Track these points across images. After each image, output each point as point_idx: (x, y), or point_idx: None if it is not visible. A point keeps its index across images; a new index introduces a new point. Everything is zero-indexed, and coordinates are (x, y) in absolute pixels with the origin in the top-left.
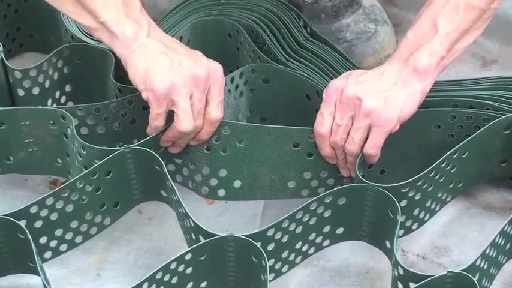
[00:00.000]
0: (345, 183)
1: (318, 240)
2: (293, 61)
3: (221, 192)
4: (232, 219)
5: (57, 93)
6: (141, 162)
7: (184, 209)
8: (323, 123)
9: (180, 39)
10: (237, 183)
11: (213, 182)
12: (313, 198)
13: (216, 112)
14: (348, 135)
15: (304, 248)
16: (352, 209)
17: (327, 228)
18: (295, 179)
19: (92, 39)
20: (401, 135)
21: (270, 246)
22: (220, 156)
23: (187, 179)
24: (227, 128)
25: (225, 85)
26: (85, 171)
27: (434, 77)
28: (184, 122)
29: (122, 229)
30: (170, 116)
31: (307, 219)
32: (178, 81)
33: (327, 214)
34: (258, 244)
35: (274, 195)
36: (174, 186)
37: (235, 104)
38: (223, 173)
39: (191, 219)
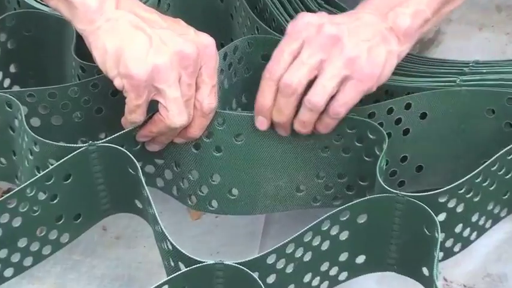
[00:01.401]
0: (362, 185)
1: (333, 272)
2: None
3: (213, 204)
4: (224, 238)
5: None
6: (111, 163)
7: (160, 227)
8: (279, 61)
9: (158, 3)
10: (234, 192)
11: (203, 190)
12: (326, 215)
13: (209, 100)
14: (308, 82)
15: (315, 283)
16: (375, 229)
17: (343, 256)
18: (306, 183)
19: (45, 6)
20: (444, 120)
21: (271, 278)
22: (213, 157)
23: (171, 184)
24: (221, 120)
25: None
26: (38, 175)
27: (412, 44)
28: (177, 116)
29: (81, 251)
30: (151, 106)
31: (318, 243)
32: (162, 63)
33: (343, 236)
34: (255, 275)
35: (279, 207)
36: (149, 195)
37: (229, 88)
38: (216, 178)
39: (168, 240)
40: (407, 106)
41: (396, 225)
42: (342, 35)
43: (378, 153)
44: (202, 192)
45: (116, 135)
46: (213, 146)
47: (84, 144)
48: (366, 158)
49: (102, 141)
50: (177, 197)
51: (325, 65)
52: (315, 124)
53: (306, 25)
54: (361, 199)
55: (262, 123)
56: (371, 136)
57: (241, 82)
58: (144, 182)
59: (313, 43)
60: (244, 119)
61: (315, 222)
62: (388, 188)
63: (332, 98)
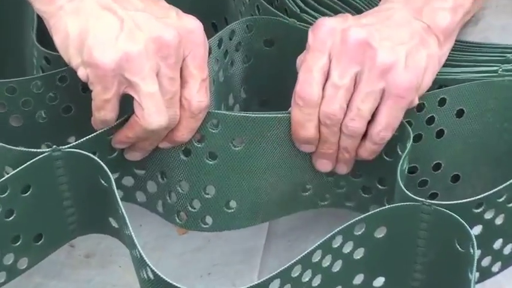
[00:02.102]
0: (380, 189)
1: None
2: (312, 12)
3: (207, 220)
4: (217, 256)
5: None
6: (79, 173)
7: (138, 252)
8: (311, 83)
9: None
10: (232, 205)
11: (195, 204)
12: (337, 230)
13: (199, 97)
14: (348, 105)
15: None
16: (396, 245)
17: (359, 278)
18: (313, 182)
19: None
20: (484, 118)
21: None
22: (206, 165)
23: (155, 199)
24: (215, 122)
25: (211, 50)
26: None
27: (453, 43)
28: (154, 115)
29: (44, 273)
30: (128, 103)
31: (328, 263)
32: (135, 51)
33: (358, 254)
34: None
35: (282, 212)
36: (124, 214)
37: (225, 81)
38: (210, 190)
39: (149, 267)
40: (442, 102)
41: (422, 240)
42: (372, 39)
43: (400, 153)
44: (194, 208)
45: (85, 138)
46: (206, 152)
47: (47, 149)
48: (386, 158)
49: (69, 145)
50: (163, 213)
51: (358, 80)
52: (357, 150)
53: (328, 33)
54: (379, 209)
55: (309, 149)
56: (396, 128)
57: (239, 73)
58: (118, 197)
59: (341, 55)
60: (242, 120)
61: (324, 238)
62: (412, 195)
63: (373, 117)
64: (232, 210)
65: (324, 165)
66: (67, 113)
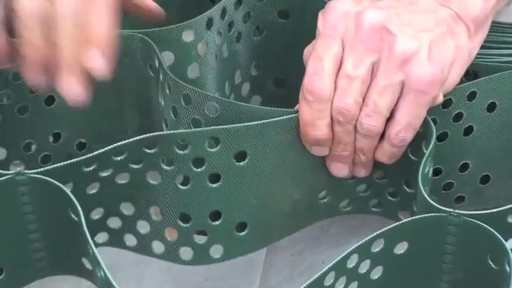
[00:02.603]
0: (408, 193)
1: None
2: None
3: (218, 250)
4: (212, 269)
5: None
6: (48, 203)
7: None
8: (321, 74)
9: None
10: (244, 227)
11: (202, 235)
12: (352, 248)
13: None
14: (363, 100)
15: None
16: (420, 262)
17: None
18: (331, 186)
19: None
20: None
21: None
22: (209, 190)
23: (148, 241)
24: (212, 142)
25: (211, 22)
26: None
27: (486, 34)
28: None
29: None
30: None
31: (342, 286)
32: None
33: (376, 274)
34: None
35: (298, 225)
36: (95, 253)
37: (229, 57)
38: (217, 216)
39: None
40: (471, 96)
41: (449, 255)
42: (390, 24)
43: (424, 151)
44: (200, 240)
45: (59, 165)
46: (207, 175)
47: (9, 172)
48: (412, 157)
49: (37, 170)
50: (162, 255)
51: (375, 70)
52: (375, 152)
53: (341, 16)
54: (399, 222)
55: (321, 152)
56: (418, 128)
57: (249, 47)
58: (88, 234)
59: (356, 42)
60: (244, 130)
61: (338, 258)
62: (437, 205)
63: (392, 115)
64: (245, 233)
65: (339, 170)
66: (23, 114)
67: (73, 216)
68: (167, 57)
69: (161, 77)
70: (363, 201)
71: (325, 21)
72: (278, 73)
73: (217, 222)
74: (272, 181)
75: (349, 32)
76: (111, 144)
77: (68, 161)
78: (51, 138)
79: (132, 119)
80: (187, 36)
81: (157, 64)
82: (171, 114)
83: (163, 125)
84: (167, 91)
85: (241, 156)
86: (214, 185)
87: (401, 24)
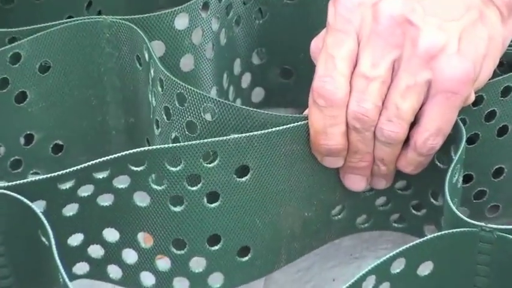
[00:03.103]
0: (435, 205)
1: None
2: None
3: (218, 279)
4: None
5: None
6: (15, 223)
7: None
8: (334, 76)
9: None
10: (247, 252)
11: (199, 263)
12: (368, 269)
13: None
14: (383, 103)
15: None
16: (447, 284)
17: None
18: (346, 201)
19: None
20: None
21: None
22: (207, 210)
23: (136, 272)
24: (209, 155)
25: (207, 5)
26: None
27: None
28: None
29: None
30: None
31: None
32: None
33: None
34: None
35: (313, 245)
36: (67, 283)
37: (227, 44)
38: (216, 240)
39: None
40: (505, 92)
41: (481, 277)
42: (413, 15)
43: (453, 157)
44: (198, 268)
45: (31, 180)
46: (204, 194)
47: None
48: (439, 164)
49: (4, 185)
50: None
51: (396, 69)
52: (398, 162)
53: (355, 7)
54: (422, 239)
55: (335, 163)
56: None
57: (249, 32)
58: (58, 261)
59: (373, 37)
60: (245, 142)
61: (352, 281)
62: (466, 219)
63: (417, 119)
64: (248, 258)
65: (355, 183)
66: (21, 102)
67: (43, 240)
68: (157, 48)
69: (152, 71)
70: (383, 216)
71: (337, 12)
72: (284, 61)
73: (216, 247)
74: (279, 198)
75: (365, 25)
76: (92, 147)
77: (41, 177)
78: (22, 140)
79: (117, 118)
80: (180, 23)
81: (146, 56)
82: (164, 116)
83: (154, 126)
84: (159, 89)
85: (242, 171)
86: (212, 205)
87: (425, 13)
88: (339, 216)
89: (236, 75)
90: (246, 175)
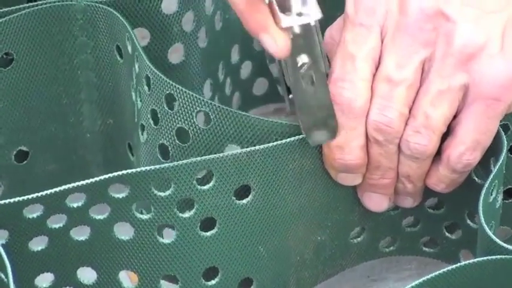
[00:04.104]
0: (472, 228)
1: None
2: None
3: None
4: None
5: None
6: None
7: None
8: (353, 80)
9: None
10: (249, 284)
11: None
12: None
13: None
14: (410, 110)
15: None
16: None
17: None
18: (367, 222)
19: None
20: None
21: None
22: (202, 240)
23: None
24: (201, 175)
25: None
26: None
27: None
28: None
29: None
30: None
31: None
32: None
33: None
34: None
35: (322, 276)
36: None
37: (223, 28)
38: (213, 273)
39: None
40: None
41: None
42: (447, 6)
43: (493, 171)
44: None
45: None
46: (198, 220)
47: None
48: (476, 179)
49: None
50: None
51: (427, 71)
52: (427, 179)
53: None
54: (452, 266)
55: (352, 181)
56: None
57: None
58: None
59: (399, 33)
60: (247, 157)
61: None
62: (502, 244)
63: (451, 129)
64: None
65: (376, 203)
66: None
67: (2, 275)
68: (141, 36)
69: (136, 66)
70: (412, 239)
71: (357, 2)
72: None
73: (213, 282)
74: (286, 222)
75: (390, 19)
76: (63, 154)
77: (2, 202)
78: None
79: (92, 119)
80: (168, 7)
81: (129, 48)
82: (150, 120)
83: (140, 132)
84: (145, 88)
85: (242, 191)
86: (208, 234)
87: (462, 3)
88: (359, 239)
89: (234, 65)
90: (246, 196)
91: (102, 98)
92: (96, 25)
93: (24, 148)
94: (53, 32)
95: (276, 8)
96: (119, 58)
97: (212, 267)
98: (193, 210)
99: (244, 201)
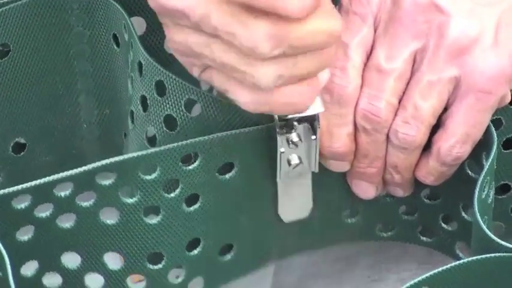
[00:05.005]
0: (467, 220)
1: None
2: None
3: (197, 283)
4: None
5: None
6: None
7: None
8: (346, 68)
9: None
10: (229, 250)
11: (179, 272)
12: None
13: None
14: (400, 101)
15: None
16: None
17: None
18: (361, 204)
19: None
20: None
21: None
22: (185, 215)
23: None
24: (192, 155)
25: None
26: None
27: None
28: None
29: None
30: None
31: None
32: None
33: None
34: None
35: (310, 245)
36: None
37: None
38: (195, 244)
39: None
40: None
41: None
42: (440, 0)
43: (484, 165)
44: (177, 277)
45: None
46: (183, 199)
47: None
48: (470, 173)
49: None
50: None
51: (418, 62)
52: (416, 171)
53: None
54: (449, 265)
55: (339, 168)
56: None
57: None
58: None
59: (392, 24)
60: (234, 141)
61: None
62: (498, 240)
63: (441, 121)
64: (230, 256)
65: (363, 190)
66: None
67: None
68: (137, 25)
69: (131, 52)
70: (408, 227)
71: None
72: None
73: (195, 252)
74: (268, 194)
75: (384, 9)
76: (60, 145)
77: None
78: None
79: (89, 110)
80: None
81: (126, 36)
82: (140, 106)
83: (129, 120)
84: (137, 74)
85: (226, 168)
86: (191, 208)
87: None
88: (353, 219)
89: None
90: (229, 171)
91: (98, 88)
92: (93, 15)
93: (21, 139)
94: (49, 22)
95: None
96: (115, 47)
97: (194, 239)
98: (178, 189)
99: (227, 176)
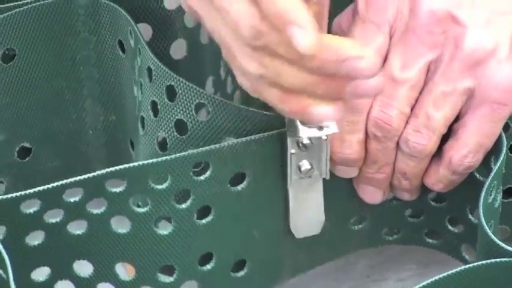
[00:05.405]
0: (473, 223)
1: None
2: None
3: None
4: None
5: None
6: None
7: None
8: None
9: None
10: (241, 266)
11: (190, 286)
12: None
13: None
14: (412, 109)
15: None
16: None
17: None
18: (368, 209)
19: None
20: None
21: None
22: (197, 228)
23: None
24: (202, 164)
25: None
26: None
27: None
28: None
29: None
30: None
31: None
32: None
33: None
34: None
35: (320, 259)
36: None
37: None
38: (208, 258)
39: None
40: None
41: None
42: (458, 9)
43: (493, 169)
44: None
45: None
46: (195, 210)
47: None
48: (478, 176)
49: None
50: None
51: (432, 71)
52: (425, 177)
53: None
54: (451, 271)
55: (348, 173)
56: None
57: None
58: None
59: (408, 34)
60: (244, 148)
61: None
62: (504, 246)
63: (452, 131)
64: (244, 273)
65: (370, 194)
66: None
67: (0, 272)
68: (143, 32)
69: (139, 59)
70: (414, 229)
71: (369, 1)
72: None
73: (208, 267)
74: (280, 206)
75: (400, 20)
76: (65, 151)
77: (0, 197)
78: None
79: (94, 116)
80: (171, 2)
81: (132, 42)
82: (150, 112)
83: (139, 124)
84: (147, 79)
85: (238, 178)
86: (203, 221)
87: (473, 6)
88: (360, 226)
89: None
90: (241, 183)
91: (104, 94)
92: (99, 20)
93: (26, 144)
94: (55, 27)
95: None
96: (121, 53)
97: (207, 253)
98: (190, 200)
99: (239, 187)
